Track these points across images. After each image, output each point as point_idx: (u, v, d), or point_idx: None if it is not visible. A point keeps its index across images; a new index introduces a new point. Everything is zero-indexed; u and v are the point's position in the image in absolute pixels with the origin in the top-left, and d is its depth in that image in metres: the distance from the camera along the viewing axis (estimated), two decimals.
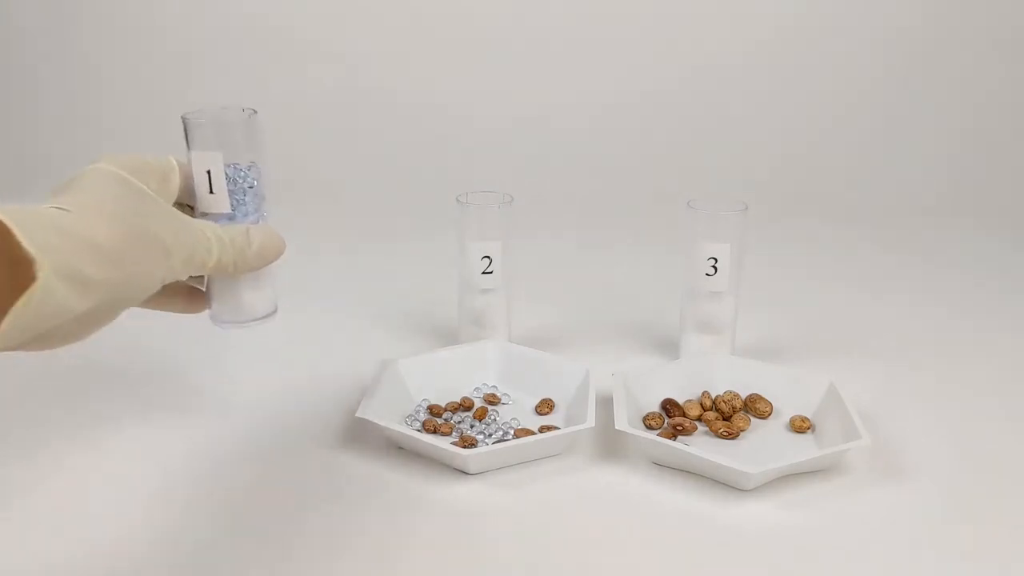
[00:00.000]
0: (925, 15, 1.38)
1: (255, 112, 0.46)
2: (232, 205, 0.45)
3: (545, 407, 0.65)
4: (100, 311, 0.38)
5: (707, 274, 0.70)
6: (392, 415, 0.61)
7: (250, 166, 0.46)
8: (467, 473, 0.57)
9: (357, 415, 0.58)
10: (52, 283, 0.34)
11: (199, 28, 1.54)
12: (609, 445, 0.61)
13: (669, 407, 0.64)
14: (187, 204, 0.47)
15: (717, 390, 0.67)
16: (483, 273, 0.72)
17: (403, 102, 1.48)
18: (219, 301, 0.48)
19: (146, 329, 0.83)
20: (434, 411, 0.64)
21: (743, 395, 0.66)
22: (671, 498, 0.55)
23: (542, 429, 0.61)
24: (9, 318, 0.33)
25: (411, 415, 0.64)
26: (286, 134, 1.49)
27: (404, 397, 0.65)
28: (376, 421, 0.58)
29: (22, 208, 0.35)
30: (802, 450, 0.60)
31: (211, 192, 0.45)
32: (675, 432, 0.61)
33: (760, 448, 0.61)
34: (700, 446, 0.60)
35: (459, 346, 0.73)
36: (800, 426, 0.62)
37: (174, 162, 0.45)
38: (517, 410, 0.65)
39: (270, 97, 1.52)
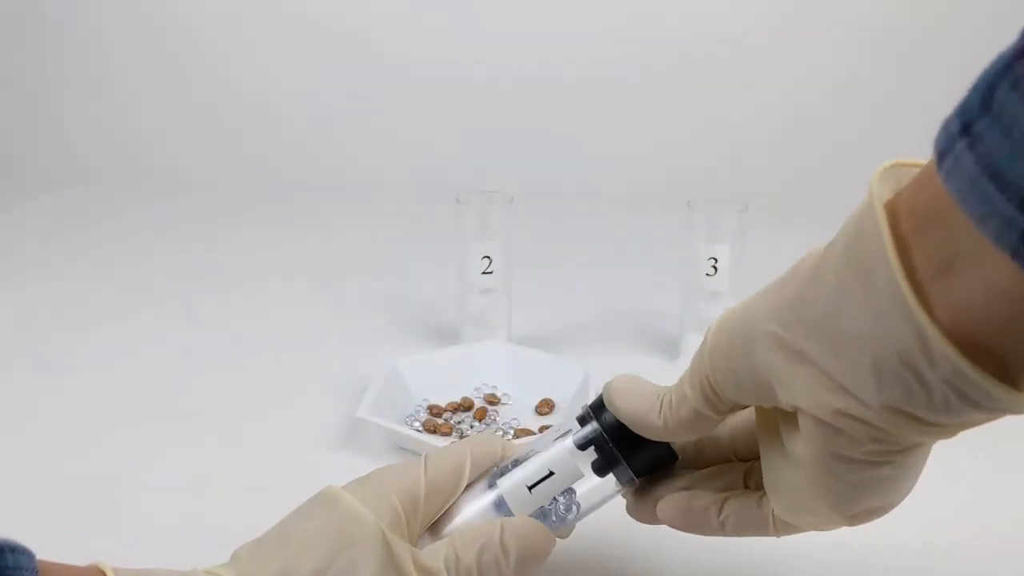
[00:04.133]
0: (933, 15, 1.38)
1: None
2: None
3: (545, 407, 0.65)
4: None
5: (707, 274, 0.70)
6: (392, 415, 0.61)
7: (576, 507, 0.40)
8: None
9: (357, 415, 0.58)
10: None
11: (198, 28, 1.54)
12: None
13: None
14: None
15: None
16: (483, 273, 0.72)
17: (403, 101, 1.48)
18: None
19: (142, 328, 0.83)
20: (434, 411, 0.64)
21: None
22: None
23: (542, 429, 0.61)
24: None
25: (411, 415, 0.64)
26: (285, 134, 1.49)
27: (404, 397, 0.65)
28: (376, 421, 0.58)
29: None
30: None
31: (529, 491, 0.38)
32: None
33: None
34: None
35: (459, 346, 0.73)
36: None
37: (467, 464, 0.39)
38: (517, 410, 0.65)
39: (269, 96, 1.52)
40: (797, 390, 0.29)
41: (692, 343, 0.73)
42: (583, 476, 0.38)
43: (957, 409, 0.25)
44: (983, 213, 0.22)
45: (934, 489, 0.53)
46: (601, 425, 0.38)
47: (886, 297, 0.25)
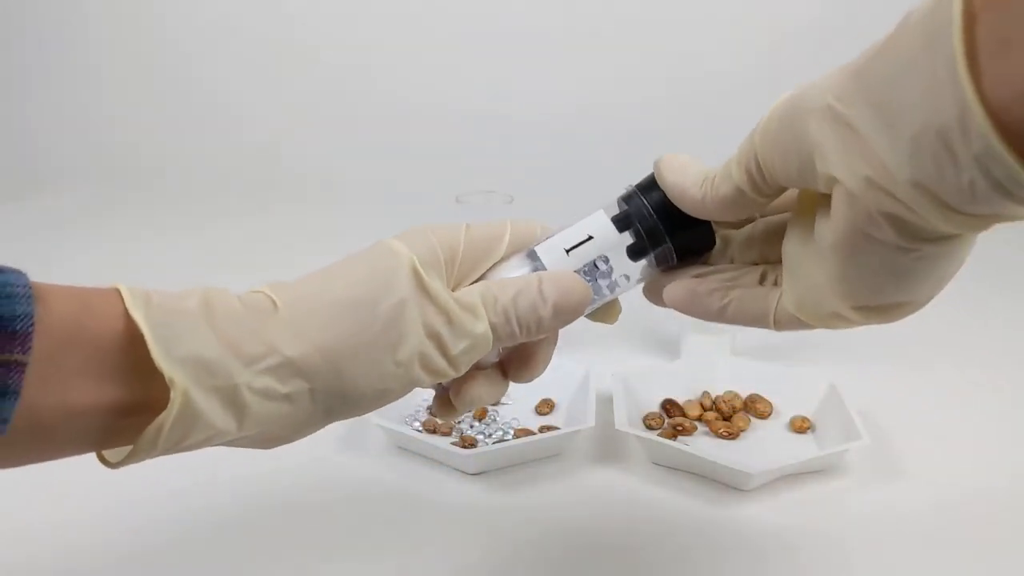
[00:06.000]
0: None
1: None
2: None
3: (545, 407, 0.65)
4: (297, 424, 0.33)
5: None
6: (392, 415, 0.61)
7: (620, 275, 0.40)
8: (467, 473, 0.57)
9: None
10: (197, 406, 0.29)
11: (200, 27, 1.54)
12: (609, 445, 0.61)
13: (669, 407, 0.64)
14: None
15: (717, 390, 0.67)
16: None
17: (403, 101, 1.48)
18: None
19: None
20: None
21: (743, 395, 0.66)
22: (671, 498, 0.55)
23: (542, 429, 0.61)
24: (140, 442, 0.29)
25: (411, 415, 0.64)
26: (285, 133, 1.49)
27: (404, 397, 0.65)
28: (376, 421, 0.58)
29: (181, 302, 0.31)
30: (802, 450, 0.60)
31: (567, 253, 0.38)
32: (675, 432, 0.61)
33: (760, 448, 0.61)
34: (700, 446, 0.60)
35: None
36: (800, 426, 0.62)
37: (507, 233, 0.38)
38: (517, 410, 0.65)
39: (270, 95, 1.52)
40: (834, 159, 0.28)
41: (692, 343, 0.73)
42: (619, 242, 0.38)
43: (984, 195, 0.25)
44: None
45: None
46: (648, 200, 0.38)
47: (941, 67, 0.24)
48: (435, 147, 1.43)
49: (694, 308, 0.38)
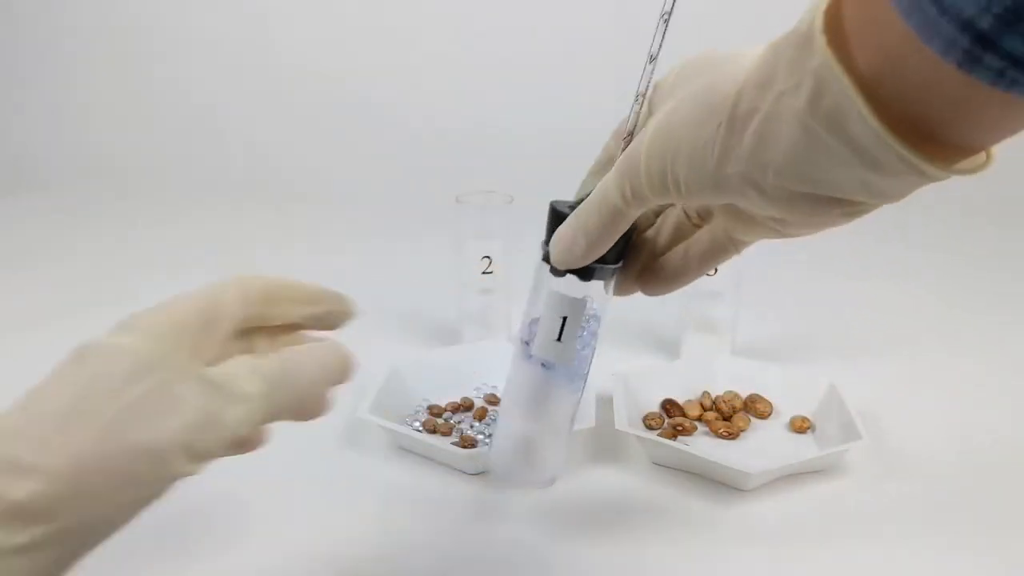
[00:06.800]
0: None
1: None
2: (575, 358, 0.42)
3: None
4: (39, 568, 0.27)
5: (707, 274, 0.70)
6: (392, 415, 0.61)
7: (595, 318, 0.43)
8: (467, 473, 0.57)
9: (357, 415, 0.58)
10: None
11: (199, 26, 1.54)
12: (609, 445, 0.61)
13: (669, 407, 0.64)
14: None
15: (717, 390, 0.67)
16: (483, 273, 0.72)
17: (403, 101, 1.48)
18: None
19: None
20: (434, 411, 0.64)
21: (743, 395, 0.66)
22: (671, 498, 0.55)
23: None
24: None
25: (411, 415, 0.64)
26: (285, 133, 1.49)
27: (404, 397, 0.65)
28: (376, 421, 0.58)
29: None
30: (802, 450, 0.60)
31: (558, 340, 0.41)
32: (675, 432, 0.61)
33: (760, 448, 0.61)
34: (700, 446, 0.60)
35: (459, 346, 0.73)
36: (800, 426, 0.62)
37: (230, 296, 0.36)
38: None
39: (269, 95, 1.52)
40: (760, 205, 0.32)
41: (692, 343, 0.73)
42: (588, 299, 0.42)
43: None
44: (928, 32, 0.23)
45: None
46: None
47: (868, 148, 0.26)
48: (435, 147, 1.43)
49: (669, 282, 0.43)
